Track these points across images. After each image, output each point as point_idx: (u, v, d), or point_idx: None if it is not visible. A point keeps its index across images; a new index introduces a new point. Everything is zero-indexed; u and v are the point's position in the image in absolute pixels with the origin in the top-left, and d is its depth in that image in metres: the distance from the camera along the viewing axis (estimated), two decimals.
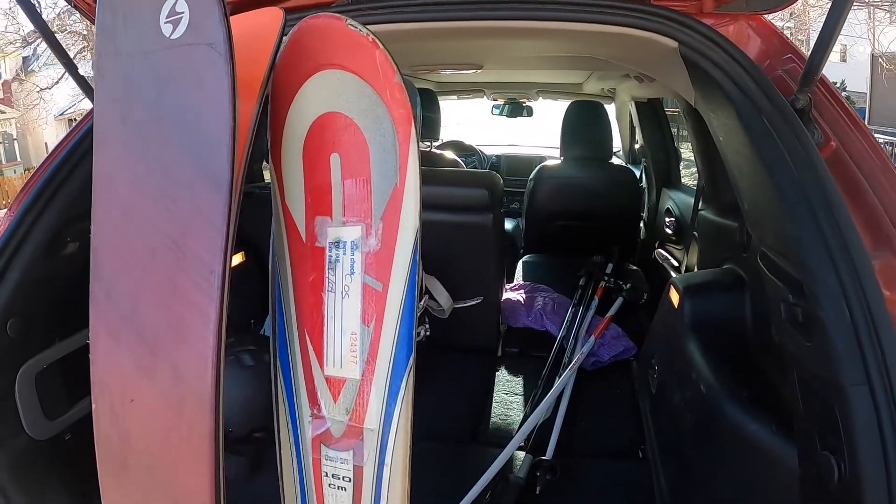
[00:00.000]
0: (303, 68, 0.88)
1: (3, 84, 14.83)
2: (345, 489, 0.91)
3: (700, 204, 1.91)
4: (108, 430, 0.81)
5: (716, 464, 1.19)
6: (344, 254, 0.87)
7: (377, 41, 0.83)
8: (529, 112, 3.80)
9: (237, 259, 1.85)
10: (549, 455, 1.49)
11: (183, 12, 0.74)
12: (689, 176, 2.81)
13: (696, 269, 1.91)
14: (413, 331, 0.87)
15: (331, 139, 0.88)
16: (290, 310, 0.92)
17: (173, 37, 0.75)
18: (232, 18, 0.73)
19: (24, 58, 14.89)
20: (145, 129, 0.80)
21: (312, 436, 0.92)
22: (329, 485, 0.92)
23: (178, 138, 0.78)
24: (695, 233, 1.96)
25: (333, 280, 0.88)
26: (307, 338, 0.91)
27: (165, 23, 0.75)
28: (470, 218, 1.94)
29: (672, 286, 1.65)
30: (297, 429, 0.93)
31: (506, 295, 2.22)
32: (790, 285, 0.93)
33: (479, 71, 2.35)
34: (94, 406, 0.81)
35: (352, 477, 0.90)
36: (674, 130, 2.82)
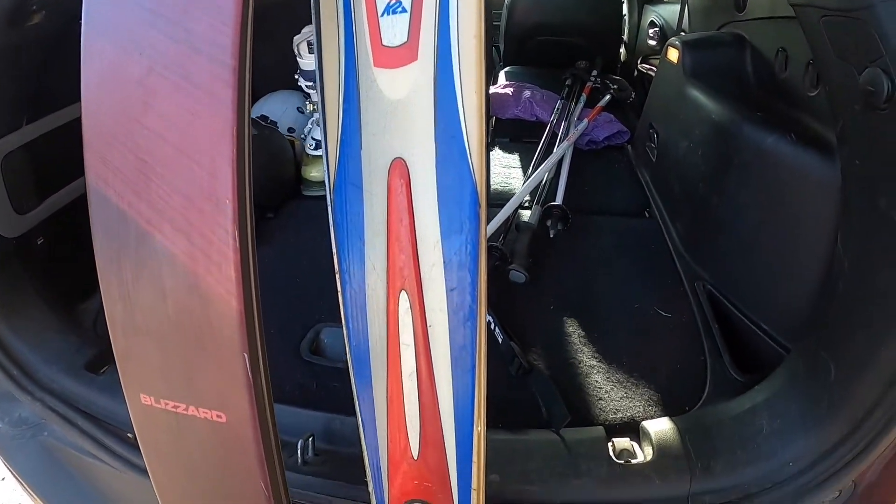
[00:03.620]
0: None
1: None
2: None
3: None
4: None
5: (732, 193, 1.17)
6: None
7: None
8: None
9: None
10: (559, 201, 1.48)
11: None
12: None
13: None
14: None
15: None
16: None
17: None
18: None
19: None
20: None
21: None
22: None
23: None
24: (683, 31, 1.91)
25: None
26: None
27: None
28: None
29: (670, 46, 1.60)
30: None
31: (491, 90, 2.16)
32: None
33: None
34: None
35: None
36: None
